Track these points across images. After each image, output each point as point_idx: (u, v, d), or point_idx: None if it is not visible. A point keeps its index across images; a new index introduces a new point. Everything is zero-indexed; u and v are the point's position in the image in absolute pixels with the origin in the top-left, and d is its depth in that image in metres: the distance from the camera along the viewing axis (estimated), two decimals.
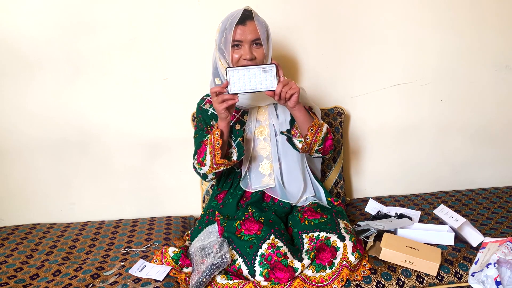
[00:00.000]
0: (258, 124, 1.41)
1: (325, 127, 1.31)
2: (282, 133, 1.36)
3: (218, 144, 1.25)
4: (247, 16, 1.29)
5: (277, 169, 1.40)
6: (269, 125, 1.40)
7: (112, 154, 1.70)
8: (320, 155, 1.38)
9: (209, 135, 1.30)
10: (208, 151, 1.28)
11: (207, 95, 1.47)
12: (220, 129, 1.26)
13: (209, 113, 1.42)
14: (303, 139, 1.31)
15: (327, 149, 1.35)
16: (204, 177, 1.38)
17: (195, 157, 1.37)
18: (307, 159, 1.48)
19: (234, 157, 1.30)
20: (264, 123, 1.40)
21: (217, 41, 1.33)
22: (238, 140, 1.31)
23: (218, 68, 1.36)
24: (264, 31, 1.31)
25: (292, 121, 1.34)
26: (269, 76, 1.19)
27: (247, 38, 1.28)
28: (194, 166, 1.38)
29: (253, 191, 1.39)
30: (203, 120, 1.43)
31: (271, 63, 1.20)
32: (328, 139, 1.33)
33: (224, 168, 1.31)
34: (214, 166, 1.29)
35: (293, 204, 1.38)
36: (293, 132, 1.33)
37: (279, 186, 1.38)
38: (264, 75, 1.19)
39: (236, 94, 1.20)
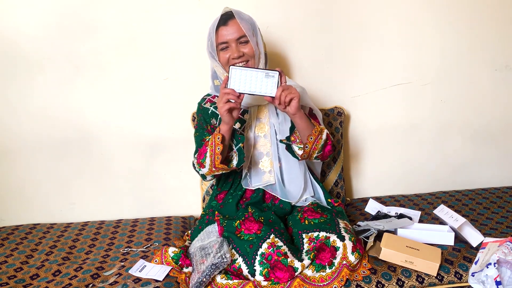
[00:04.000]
0: (258, 122, 1.41)
1: (324, 133, 1.30)
2: (281, 141, 1.35)
3: (218, 149, 1.25)
4: (228, 16, 1.31)
5: (277, 168, 1.40)
6: (269, 123, 1.40)
7: (112, 154, 1.70)
8: (319, 160, 1.38)
9: (210, 137, 1.30)
10: (208, 154, 1.28)
11: (208, 95, 1.48)
12: (222, 133, 1.25)
13: (209, 112, 1.43)
14: (302, 146, 1.31)
15: (326, 154, 1.35)
16: (203, 177, 1.39)
17: (195, 156, 1.37)
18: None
19: (234, 162, 1.30)
20: (264, 120, 1.41)
21: (208, 47, 1.35)
22: (239, 145, 1.30)
23: (215, 71, 1.39)
24: (249, 27, 1.31)
25: (292, 128, 1.33)
26: (271, 82, 1.18)
27: (231, 37, 1.30)
28: (193, 165, 1.38)
29: (253, 188, 1.39)
30: (203, 118, 1.43)
31: (275, 70, 1.18)
32: (327, 145, 1.32)
33: (223, 172, 1.31)
34: (213, 169, 1.29)
35: (293, 204, 1.38)
36: (292, 138, 1.32)
37: (279, 184, 1.39)
38: (266, 80, 1.18)
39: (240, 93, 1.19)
